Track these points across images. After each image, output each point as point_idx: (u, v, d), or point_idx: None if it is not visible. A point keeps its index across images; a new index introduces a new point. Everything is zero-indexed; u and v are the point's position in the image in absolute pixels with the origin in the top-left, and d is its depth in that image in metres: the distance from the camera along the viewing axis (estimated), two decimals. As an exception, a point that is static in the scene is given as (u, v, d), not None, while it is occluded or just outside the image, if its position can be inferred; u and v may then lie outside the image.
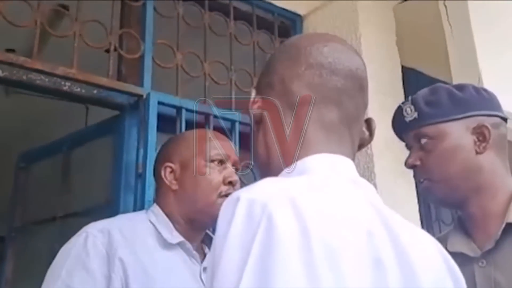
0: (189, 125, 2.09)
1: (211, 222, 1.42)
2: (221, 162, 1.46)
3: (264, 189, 0.68)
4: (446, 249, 1.28)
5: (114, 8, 2.10)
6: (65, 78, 1.90)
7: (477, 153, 1.25)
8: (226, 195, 1.39)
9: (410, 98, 1.32)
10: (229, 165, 1.47)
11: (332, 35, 0.89)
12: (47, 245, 2.13)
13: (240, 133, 2.26)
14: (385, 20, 2.66)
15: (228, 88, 2.34)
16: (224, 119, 2.23)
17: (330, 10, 2.65)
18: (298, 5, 2.72)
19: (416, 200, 2.36)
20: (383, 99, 2.45)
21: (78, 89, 1.97)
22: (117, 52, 2.06)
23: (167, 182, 1.46)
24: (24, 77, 1.85)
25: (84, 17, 1.99)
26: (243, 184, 2.21)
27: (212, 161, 1.44)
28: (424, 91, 1.32)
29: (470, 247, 1.25)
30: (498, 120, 1.29)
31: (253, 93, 0.86)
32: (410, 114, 1.30)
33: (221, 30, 2.41)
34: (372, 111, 2.39)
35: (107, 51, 2.06)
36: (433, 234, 0.89)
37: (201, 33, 2.33)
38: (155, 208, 1.47)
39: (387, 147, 2.25)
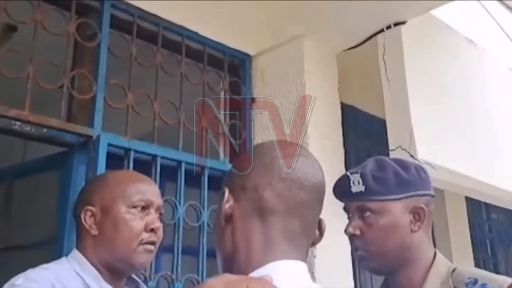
0: (138, 164, 2.16)
1: (131, 270, 1.41)
2: (144, 208, 1.40)
3: None
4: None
5: (68, 48, 2.13)
6: (17, 119, 1.92)
7: (411, 231, 1.37)
8: (147, 243, 1.38)
9: (359, 170, 1.39)
10: (152, 211, 1.41)
11: (302, 148, 0.96)
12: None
13: (185, 172, 2.34)
14: (329, 66, 2.80)
15: (177, 127, 2.41)
16: (170, 159, 2.31)
17: (278, 53, 2.77)
18: (248, 46, 2.82)
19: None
20: (323, 143, 2.60)
21: (28, 128, 1.99)
22: (69, 92, 2.09)
23: (86, 226, 1.40)
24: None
25: (37, 56, 2.01)
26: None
27: (134, 207, 1.39)
28: (372, 166, 1.40)
29: None
30: (429, 198, 1.42)
31: (226, 191, 0.92)
32: (357, 186, 1.37)
33: (172, 69, 2.48)
34: (313, 152, 2.56)
35: (61, 88, 2.09)
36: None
37: (152, 72, 2.39)
38: (76, 254, 1.41)
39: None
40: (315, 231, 0.94)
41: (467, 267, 1.43)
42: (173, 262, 2.23)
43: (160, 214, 1.46)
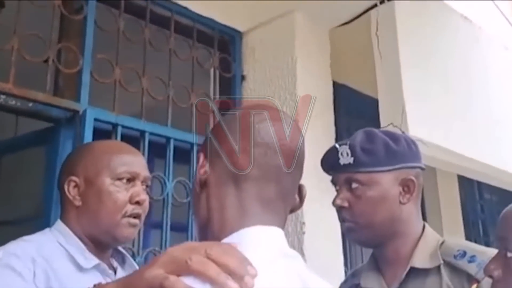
0: (126, 140, 2.13)
1: (115, 243, 1.38)
2: (129, 180, 1.36)
3: None
4: (359, 283, 1.43)
5: (53, 21, 2.10)
6: (1, 93, 1.89)
7: (400, 203, 1.35)
8: (131, 215, 1.34)
9: (347, 142, 1.37)
10: (138, 183, 1.37)
11: (278, 111, 0.93)
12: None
13: (174, 149, 2.32)
14: (321, 43, 2.77)
15: (165, 104, 2.39)
16: (158, 135, 2.29)
17: (268, 29, 2.73)
18: (238, 22, 2.79)
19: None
20: (314, 122, 2.58)
21: (13, 102, 1.96)
22: (55, 66, 2.06)
23: (70, 197, 1.36)
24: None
25: (22, 29, 1.98)
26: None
27: (119, 179, 1.34)
28: (361, 137, 1.38)
29: (380, 284, 1.38)
30: (419, 171, 1.40)
31: (201, 157, 0.91)
32: (345, 157, 1.35)
33: (160, 45, 2.44)
34: (304, 133, 2.55)
35: (46, 61, 2.06)
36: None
37: (140, 48, 2.36)
38: (60, 225, 1.37)
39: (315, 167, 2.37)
40: (295, 197, 0.92)
41: (456, 240, 1.42)
42: (162, 238, 2.22)
43: (147, 186, 1.41)
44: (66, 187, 1.36)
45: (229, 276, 0.72)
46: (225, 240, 0.83)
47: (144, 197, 1.37)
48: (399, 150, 1.37)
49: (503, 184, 3.40)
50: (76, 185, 1.36)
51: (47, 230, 1.40)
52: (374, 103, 2.66)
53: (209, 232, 0.87)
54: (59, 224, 1.38)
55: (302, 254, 2.28)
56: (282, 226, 0.88)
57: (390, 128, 2.49)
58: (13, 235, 1.37)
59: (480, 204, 4.39)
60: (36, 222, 2.06)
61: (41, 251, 1.28)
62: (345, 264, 2.55)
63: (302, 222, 2.35)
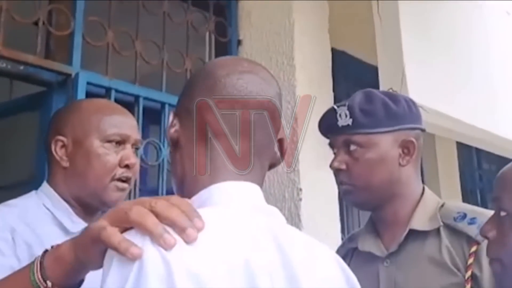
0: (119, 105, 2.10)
1: (103, 207, 1.32)
2: (119, 142, 1.31)
3: None
4: (357, 248, 1.40)
5: (43, -18, 2.04)
6: (-10, 54, 1.85)
7: (400, 165, 1.33)
8: (120, 179, 1.30)
9: (346, 103, 1.34)
10: (128, 145, 1.32)
11: (249, 63, 0.91)
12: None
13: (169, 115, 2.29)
14: (319, 6, 2.70)
15: (160, 68, 2.35)
16: (154, 101, 2.25)
17: (265, -7, 2.67)
18: (234, -15, 2.73)
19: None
20: (312, 88, 2.54)
21: (4, 65, 1.92)
22: (45, 28, 2.01)
23: (57, 157, 1.31)
24: None
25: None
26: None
27: (109, 141, 1.29)
28: (360, 98, 1.34)
29: (378, 247, 1.36)
30: (419, 132, 1.37)
31: (171, 115, 0.89)
32: (344, 119, 1.32)
33: (154, 8, 2.39)
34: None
35: (36, 23, 2.01)
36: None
37: (134, 11, 2.30)
38: (46, 188, 1.33)
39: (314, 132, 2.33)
40: (273, 152, 0.89)
41: (456, 202, 1.40)
42: (157, 204, 2.19)
43: (137, 148, 1.38)
44: (53, 146, 1.32)
45: (170, 228, 0.69)
46: (194, 198, 0.81)
47: (134, 160, 1.32)
48: (399, 111, 1.33)
49: (503, 152, 3.38)
50: (64, 145, 1.31)
51: (33, 193, 1.35)
52: (374, 70, 2.61)
53: (185, 191, 0.85)
54: (45, 186, 1.34)
55: (299, 221, 2.27)
56: (258, 182, 0.86)
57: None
58: (6, 199, 1.34)
59: (479, 173, 4.38)
60: (29, 187, 2.04)
61: (23, 217, 1.24)
62: (342, 230, 2.53)
63: (299, 188, 2.32)
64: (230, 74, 0.86)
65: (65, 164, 1.30)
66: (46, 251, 0.84)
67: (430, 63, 2.60)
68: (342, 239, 2.51)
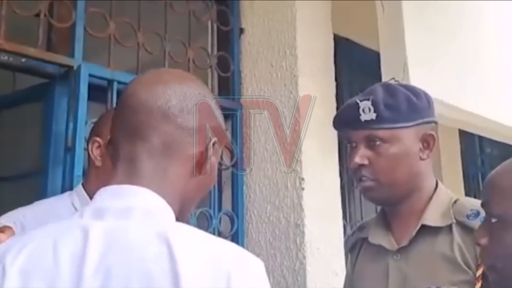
0: (121, 96, 2.10)
1: None
2: None
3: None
4: (367, 239, 1.41)
5: (44, -27, 2.02)
6: (-8, 47, 1.85)
7: (420, 159, 1.32)
8: None
9: (370, 97, 1.31)
10: None
11: (154, 72, 0.93)
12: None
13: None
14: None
15: (162, 59, 2.34)
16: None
17: (267, -20, 2.65)
18: (236, -27, 2.70)
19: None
20: (314, 75, 2.53)
21: (6, 58, 1.93)
22: (47, 20, 2.01)
23: (92, 156, 1.41)
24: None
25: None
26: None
27: None
28: (383, 92, 1.32)
29: (389, 241, 1.35)
30: (434, 125, 1.36)
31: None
32: (367, 113, 1.30)
33: (156, -3, 2.37)
34: (304, 88, 2.51)
35: (38, 15, 2.00)
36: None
37: (135, 1, 2.29)
38: (79, 188, 1.42)
39: (317, 121, 2.33)
40: (189, 155, 0.87)
41: (470, 199, 1.38)
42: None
43: None
44: (90, 146, 1.42)
45: None
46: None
47: None
48: (420, 105, 1.32)
49: (504, 138, 3.38)
50: (99, 146, 1.40)
51: (66, 193, 1.47)
52: (376, 57, 2.60)
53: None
54: (79, 186, 1.45)
55: (301, 210, 2.28)
56: (156, 185, 0.84)
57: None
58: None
59: (481, 158, 4.38)
60: (34, 179, 2.06)
61: (46, 217, 1.27)
62: (344, 217, 2.55)
63: (302, 178, 2.33)
64: (127, 87, 0.91)
65: (98, 163, 1.39)
66: None
67: (432, 51, 2.59)
68: (344, 226, 2.53)
